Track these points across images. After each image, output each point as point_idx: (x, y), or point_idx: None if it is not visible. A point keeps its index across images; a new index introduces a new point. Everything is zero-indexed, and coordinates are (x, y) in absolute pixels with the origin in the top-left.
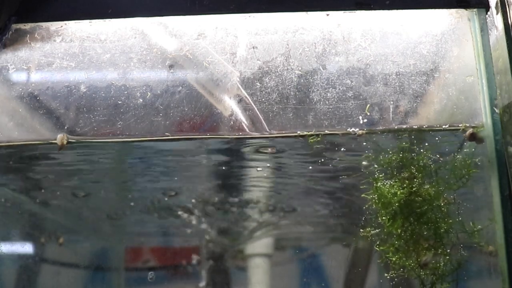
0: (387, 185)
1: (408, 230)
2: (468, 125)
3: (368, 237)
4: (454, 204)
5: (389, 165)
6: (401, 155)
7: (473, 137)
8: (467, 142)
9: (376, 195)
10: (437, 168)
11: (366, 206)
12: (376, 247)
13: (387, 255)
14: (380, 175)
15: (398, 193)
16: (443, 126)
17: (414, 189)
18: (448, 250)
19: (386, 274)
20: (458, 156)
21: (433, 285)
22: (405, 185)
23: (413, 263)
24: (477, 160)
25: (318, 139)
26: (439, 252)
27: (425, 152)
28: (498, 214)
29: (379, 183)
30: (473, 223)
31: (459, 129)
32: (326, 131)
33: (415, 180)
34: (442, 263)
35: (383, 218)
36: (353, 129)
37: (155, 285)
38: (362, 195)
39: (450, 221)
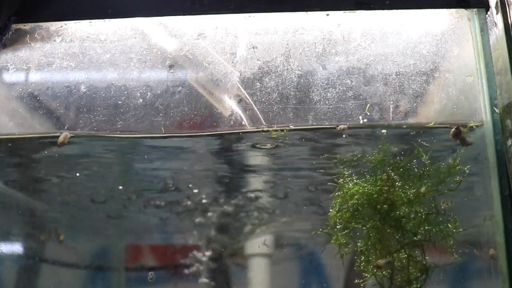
0: (351, 182)
1: (364, 229)
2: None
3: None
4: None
5: (374, 163)
6: (381, 156)
7: (458, 134)
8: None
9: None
10: (422, 173)
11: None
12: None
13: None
14: (346, 172)
15: (355, 189)
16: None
17: (382, 190)
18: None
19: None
20: (441, 162)
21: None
22: (376, 185)
23: (366, 264)
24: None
25: (282, 133)
26: (395, 257)
27: (412, 154)
28: (498, 214)
29: (342, 180)
30: (440, 230)
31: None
32: (291, 126)
33: (383, 183)
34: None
35: (331, 210)
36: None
37: (155, 285)
38: (331, 196)
39: (421, 231)
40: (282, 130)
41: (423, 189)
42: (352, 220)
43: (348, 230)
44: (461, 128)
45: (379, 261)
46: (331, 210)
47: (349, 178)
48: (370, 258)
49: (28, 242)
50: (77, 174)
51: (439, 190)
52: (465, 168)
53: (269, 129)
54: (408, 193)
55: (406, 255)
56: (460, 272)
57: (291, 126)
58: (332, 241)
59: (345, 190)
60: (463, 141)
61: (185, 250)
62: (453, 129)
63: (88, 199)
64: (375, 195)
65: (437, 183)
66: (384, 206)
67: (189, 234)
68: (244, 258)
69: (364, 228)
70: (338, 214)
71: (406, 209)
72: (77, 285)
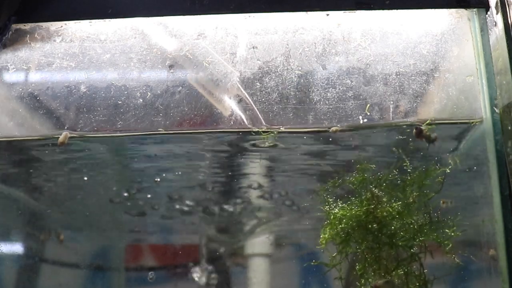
0: (337, 207)
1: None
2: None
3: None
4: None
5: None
6: (362, 176)
7: (420, 134)
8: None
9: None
10: (405, 183)
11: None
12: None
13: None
14: (331, 198)
15: (342, 213)
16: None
17: (369, 210)
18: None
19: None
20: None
21: None
22: (362, 206)
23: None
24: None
25: (272, 135)
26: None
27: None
28: (498, 213)
29: (327, 207)
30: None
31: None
32: (281, 128)
33: (369, 202)
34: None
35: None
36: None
37: (155, 285)
38: (321, 226)
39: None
40: (272, 132)
41: (411, 199)
42: (345, 244)
43: (343, 255)
44: (420, 127)
45: (377, 281)
46: (321, 235)
47: (334, 205)
48: (369, 280)
49: (28, 242)
50: (77, 174)
51: (428, 194)
52: (447, 169)
53: (259, 129)
54: (396, 206)
55: (404, 272)
56: (460, 273)
57: (281, 128)
58: (328, 265)
59: (332, 217)
60: (428, 139)
61: (185, 250)
62: (414, 131)
63: (88, 198)
64: (363, 216)
65: (422, 189)
66: (374, 225)
67: (189, 234)
68: (244, 258)
69: (358, 249)
70: (330, 238)
71: (398, 223)
72: (77, 285)
